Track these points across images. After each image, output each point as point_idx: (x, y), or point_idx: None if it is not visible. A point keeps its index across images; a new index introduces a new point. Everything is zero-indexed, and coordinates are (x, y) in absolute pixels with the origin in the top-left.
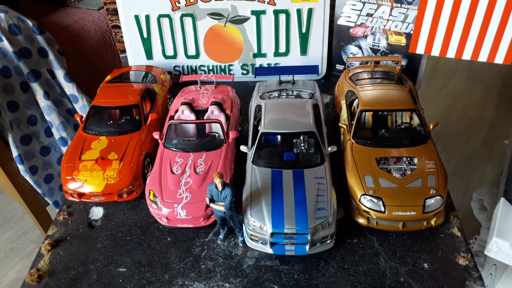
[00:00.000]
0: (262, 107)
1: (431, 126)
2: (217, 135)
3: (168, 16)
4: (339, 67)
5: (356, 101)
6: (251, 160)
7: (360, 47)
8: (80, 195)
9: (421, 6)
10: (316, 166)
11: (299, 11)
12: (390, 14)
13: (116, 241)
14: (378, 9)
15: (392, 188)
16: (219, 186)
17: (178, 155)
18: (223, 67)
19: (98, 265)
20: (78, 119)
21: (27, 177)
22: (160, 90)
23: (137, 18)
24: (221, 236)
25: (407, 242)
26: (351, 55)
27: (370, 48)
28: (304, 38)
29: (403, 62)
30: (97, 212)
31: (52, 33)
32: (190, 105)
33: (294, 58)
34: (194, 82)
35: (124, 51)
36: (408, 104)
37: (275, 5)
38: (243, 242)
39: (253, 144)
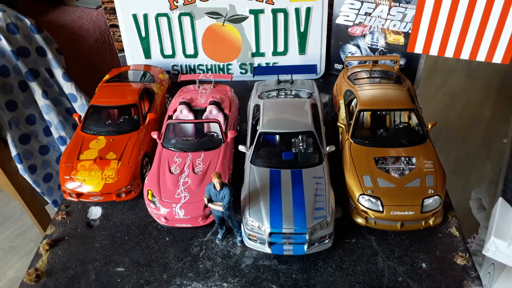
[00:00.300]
0: (260, 106)
1: (429, 126)
2: (215, 134)
3: (166, 15)
4: (337, 66)
5: (355, 100)
6: (250, 159)
7: (358, 46)
8: (79, 194)
9: (419, 5)
10: (314, 165)
11: (297, 10)
12: (389, 13)
13: (114, 240)
14: (377, 8)
15: (390, 188)
16: (217, 186)
17: (176, 154)
18: (221, 66)
19: (97, 265)
20: (77, 118)
21: (26, 176)
22: (159, 89)
23: (135, 17)
24: (219, 236)
25: (405, 241)
26: (349, 55)
27: (368, 47)
28: (302, 37)
29: (402, 62)
30: (95, 212)
31: (50, 32)
32: (189, 105)
33: (293, 57)
34: (193, 82)
35: (122, 50)
36: (406, 103)
37: (273, 4)
38: (242, 241)
39: (251, 143)
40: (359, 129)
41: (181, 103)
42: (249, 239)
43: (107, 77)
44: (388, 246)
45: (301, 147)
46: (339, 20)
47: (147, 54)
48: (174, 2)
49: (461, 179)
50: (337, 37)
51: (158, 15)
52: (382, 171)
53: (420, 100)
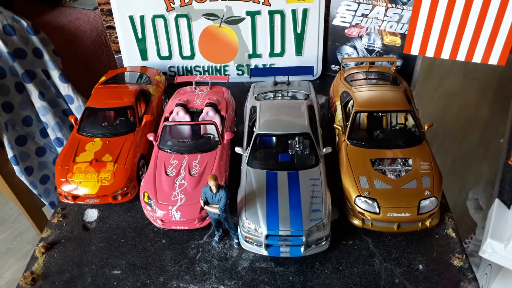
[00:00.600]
0: (257, 108)
1: (426, 127)
2: (212, 136)
3: (162, 16)
4: (334, 67)
5: (351, 102)
6: (246, 161)
7: (355, 48)
8: (75, 197)
9: (415, 7)
10: (311, 167)
11: (294, 12)
12: (385, 15)
13: (110, 243)
14: (373, 10)
15: (387, 189)
16: (214, 189)
17: (172, 156)
18: (218, 68)
19: (93, 268)
20: (73, 120)
21: (23, 178)
22: (155, 91)
23: (131, 18)
24: (216, 238)
25: (402, 243)
26: (346, 56)
27: (365, 48)
28: (299, 39)
29: (398, 63)
30: (91, 214)
31: (47, 33)
32: (185, 106)
33: (290, 59)
34: (189, 83)
35: (118, 52)
36: (402, 105)
37: (270, 5)
38: (238, 244)
39: (248, 145)
40: (356, 130)
41: (177, 105)
42: (246, 241)
43: (103, 78)
44: (385, 247)
45: (298, 149)
46: (336, 22)
47: (144, 55)
48: (171, 3)
49: (458, 179)
50: (333, 38)
51: (155, 16)
52: (379, 172)
53: (417, 101)
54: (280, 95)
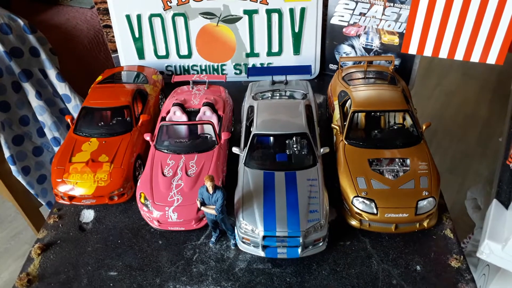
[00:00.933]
0: (254, 107)
1: (424, 127)
2: (209, 136)
3: (159, 15)
4: (332, 66)
5: (349, 101)
6: (243, 162)
7: (353, 47)
8: (71, 198)
9: (413, 6)
10: (308, 167)
11: (291, 11)
12: (383, 14)
13: (107, 244)
14: (371, 9)
15: (385, 190)
16: (210, 189)
17: (169, 157)
18: (216, 67)
19: (89, 269)
20: (69, 120)
21: (20, 178)
22: (152, 90)
23: (128, 17)
24: (213, 239)
25: (400, 244)
26: (344, 55)
27: (363, 47)
28: (297, 38)
29: (396, 62)
30: (88, 215)
31: (44, 32)
32: (182, 106)
33: (287, 58)
34: (187, 83)
35: (115, 51)
36: (400, 104)
37: (267, 4)
38: (235, 245)
39: (245, 145)
40: (354, 130)
41: (174, 105)
42: (243, 242)
43: (100, 78)
44: (382, 248)
45: (295, 149)
46: (334, 20)
47: (141, 54)
48: (168, 2)
49: (457, 178)
50: (331, 37)
51: (152, 15)
52: (376, 172)
53: (416, 99)
54: (277, 94)
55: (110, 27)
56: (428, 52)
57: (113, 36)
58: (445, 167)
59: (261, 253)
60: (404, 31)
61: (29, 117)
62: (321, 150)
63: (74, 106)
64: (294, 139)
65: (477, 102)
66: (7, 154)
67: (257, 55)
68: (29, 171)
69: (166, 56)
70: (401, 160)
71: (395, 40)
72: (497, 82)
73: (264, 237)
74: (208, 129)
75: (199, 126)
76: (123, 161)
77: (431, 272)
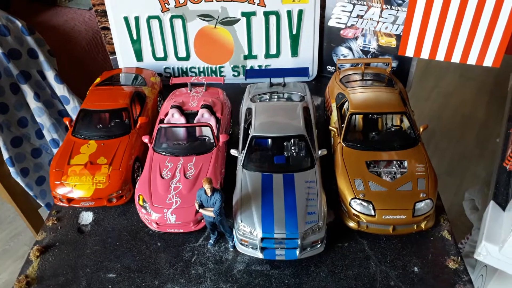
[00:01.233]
0: (252, 110)
1: (421, 129)
2: (207, 138)
3: (157, 17)
4: (330, 68)
5: (346, 103)
6: (241, 164)
7: (350, 49)
8: (69, 200)
9: (409, 9)
10: (306, 170)
11: (289, 13)
12: (380, 16)
13: (105, 246)
14: (368, 11)
15: (382, 191)
16: (208, 192)
17: (167, 159)
18: (214, 69)
19: (88, 271)
20: (67, 122)
21: (19, 180)
22: (150, 92)
23: (126, 19)
24: (211, 241)
25: (398, 245)
26: (341, 57)
27: (360, 49)
28: (294, 40)
29: (394, 64)
30: (86, 217)
31: (42, 33)
32: (180, 108)
33: (285, 60)
34: (185, 85)
35: (114, 53)
36: (398, 106)
37: (265, 6)
38: (234, 247)
39: (243, 147)
40: (351, 132)
41: (172, 107)
42: (241, 244)
43: (98, 80)
44: (380, 250)
45: (293, 151)
46: (331, 23)
47: (139, 56)
48: (166, 4)
49: (454, 179)
50: (329, 39)
51: (150, 17)
52: (374, 174)
53: (413, 101)
54: (275, 96)
55: (108, 29)
56: (425, 54)
57: (111, 38)
58: (443, 168)
59: (259, 255)
60: (401, 33)
61: (27, 119)
62: (319, 152)
63: (72, 108)
64: (292, 141)
65: (475, 103)
66: (5, 155)
67: (255, 57)
68: (28, 173)
69: (164, 58)
70: (398, 162)
71: (393, 42)
72: (494, 83)
73: (262, 239)
74: (206, 131)
75: (197, 128)
76: (122, 164)
77: (429, 273)
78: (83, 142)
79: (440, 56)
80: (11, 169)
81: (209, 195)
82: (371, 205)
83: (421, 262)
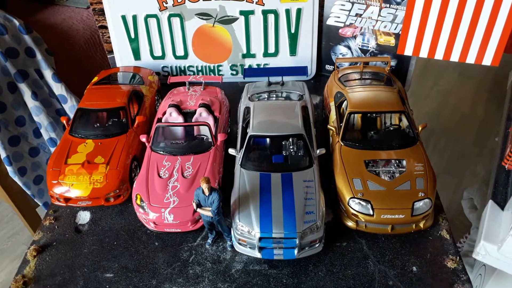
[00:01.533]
0: (250, 109)
1: (420, 128)
2: (205, 137)
3: (155, 16)
4: (328, 67)
5: (345, 102)
6: (240, 163)
7: (349, 48)
8: (67, 199)
9: (408, 8)
10: (304, 169)
11: (288, 11)
12: (379, 15)
13: (103, 246)
14: (367, 10)
15: (381, 191)
16: (206, 191)
17: (165, 158)
18: (212, 68)
19: (85, 271)
20: (64, 122)
21: (16, 179)
22: (148, 91)
23: (124, 18)
24: (209, 241)
25: (396, 245)
26: (340, 56)
27: (359, 48)
28: (293, 39)
29: (393, 63)
30: (84, 217)
31: (40, 32)
32: (178, 107)
33: (284, 59)
34: (183, 84)
35: (111, 51)
36: (396, 105)
37: (263, 5)
38: (232, 246)
39: (241, 147)
40: (350, 131)
41: (170, 106)
42: (239, 243)
43: (95, 79)
44: (378, 249)
45: (292, 150)
46: (330, 21)
47: (137, 55)
48: (163, 3)
49: (453, 178)
50: (328, 38)
51: (147, 16)
52: (373, 174)
53: (412, 99)
54: (274, 95)
55: (106, 27)
56: (424, 53)
57: (109, 37)
58: (442, 167)
59: (257, 254)
60: (400, 32)
61: (25, 118)
62: (317, 151)
63: (70, 107)
64: (290, 140)
65: (474, 102)
66: (3, 155)
67: (253, 56)
68: (25, 172)
69: (162, 57)
70: (397, 161)
71: (391, 41)
72: (493, 82)
73: (260, 239)
74: (204, 130)
75: (195, 127)
76: (119, 163)
77: (427, 273)
78: (80, 141)
79: (439, 55)
80: (9, 168)
81: (207, 194)
82: (369, 204)
83: (419, 261)
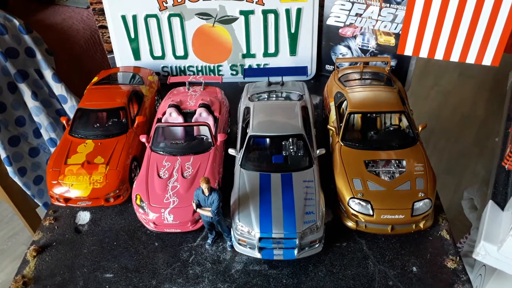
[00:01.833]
0: (250, 109)
1: (420, 128)
2: (205, 138)
3: (155, 16)
4: (328, 67)
5: (345, 102)
6: (239, 163)
7: (349, 48)
8: (67, 199)
9: (408, 8)
10: (304, 169)
11: (287, 11)
12: (379, 14)
13: (103, 246)
14: (367, 9)
15: (381, 191)
16: (206, 192)
17: (165, 158)
18: (212, 68)
19: (85, 271)
20: (64, 122)
21: (16, 179)
22: (148, 91)
23: (124, 18)
24: (209, 241)
25: (396, 245)
26: (340, 56)
27: (359, 48)
28: (293, 38)
29: (393, 63)
30: (83, 217)
31: (40, 32)
32: (178, 107)
33: (284, 59)
34: (183, 84)
35: (111, 51)
36: (396, 106)
37: (263, 5)
38: (231, 246)
39: (241, 147)
40: (350, 131)
41: (170, 106)
42: (239, 244)
43: (95, 79)
44: (378, 249)
45: (291, 150)
46: (330, 21)
47: (137, 55)
48: (163, 3)
49: (453, 178)
50: (328, 38)
51: (147, 16)
52: (372, 174)
53: (412, 99)
54: (274, 95)
55: (106, 27)
56: (424, 53)
57: (109, 37)
58: (442, 167)
59: (257, 254)
60: (400, 32)
61: (25, 118)
62: (317, 151)
63: (70, 107)
64: (290, 140)
65: (474, 102)
66: (3, 155)
67: (253, 56)
68: (25, 172)
69: (162, 57)
70: (397, 162)
71: (391, 41)
72: (493, 81)
73: (260, 239)
74: (204, 130)
75: (195, 127)
76: (119, 163)
77: (427, 273)
78: (80, 141)
79: (439, 55)
80: (9, 169)
81: (206, 194)
82: (369, 204)
83: (419, 261)
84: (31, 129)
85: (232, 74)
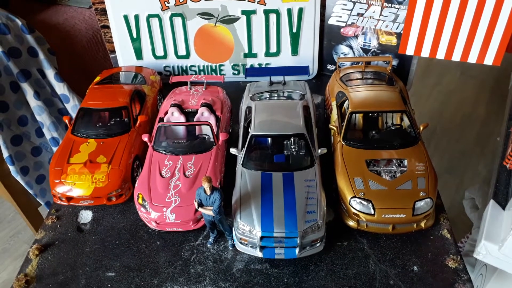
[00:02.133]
0: (252, 108)
1: (421, 128)
2: (207, 137)
3: (157, 16)
4: (330, 67)
5: (347, 102)
6: (241, 162)
7: (351, 47)
8: (69, 198)
9: (410, 7)
10: (306, 168)
11: (289, 11)
12: (381, 14)
13: (105, 245)
14: (369, 9)
15: (382, 190)
16: (208, 191)
17: (167, 158)
18: (214, 67)
19: (87, 270)
20: (67, 121)
21: (18, 178)
22: (150, 91)
23: (126, 18)
24: (210, 240)
25: (397, 244)
26: (342, 55)
27: (361, 48)
28: (295, 38)
29: (394, 62)
30: (86, 216)
31: (42, 31)
32: (180, 107)
33: (285, 58)
34: (185, 83)
35: (113, 51)
36: (398, 105)
37: (265, 4)
38: (233, 245)
39: (243, 146)
40: (351, 131)
41: (172, 105)
42: (241, 243)
43: (98, 78)
44: (379, 249)
45: (293, 150)
46: (332, 21)
47: (139, 55)
48: (165, 2)
49: (455, 178)
50: (329, 37)
51: (149, 16)
52: (374, 173)
53: (414, 99)
54: (275, 95)
55: (108, 27)
56: (425, 53)
57: (111, 37)
58: (443, 167)
59: (258, 253)
60: (402, 32)
61: (27, 117)
62: (319, 151)
63: (72, 106)
64: (291, 140)
65: (476, 101)
66: (5, 154)
67: (255, 55)
68: (27, 171)
69: (164, 56)
70: (398, 161)
71: (393, 40)
72: (495, 81)
73: (261, 238)
74: (206, 130)
75: (197, 127)
76: (121, 162)
77: (428, 272)
78: (82, 140)
79: (441, 55)
80: (11, 168)
81: (208, 194)
82: (370, 204)
83: (420, 261)
84: (34, 128)
85: (234, 74)
